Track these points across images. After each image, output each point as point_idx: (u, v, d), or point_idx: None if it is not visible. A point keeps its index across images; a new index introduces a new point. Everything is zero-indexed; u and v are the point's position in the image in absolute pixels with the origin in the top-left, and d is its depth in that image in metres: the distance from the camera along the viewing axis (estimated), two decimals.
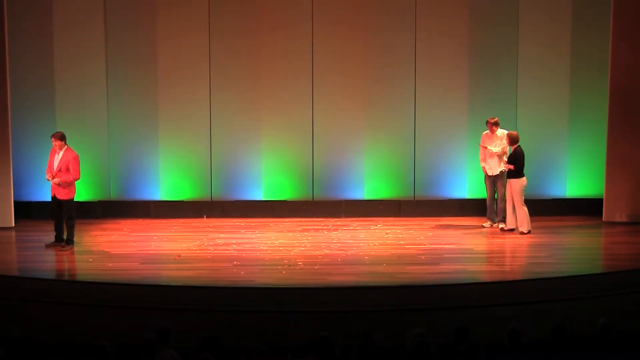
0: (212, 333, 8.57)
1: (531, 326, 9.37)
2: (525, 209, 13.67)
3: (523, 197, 13.68)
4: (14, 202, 14.40)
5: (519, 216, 13.70)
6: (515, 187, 13.65)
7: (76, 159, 12.83)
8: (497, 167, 14.00)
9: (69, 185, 12.77)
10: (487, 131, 14.15)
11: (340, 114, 15.03)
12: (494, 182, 14.11)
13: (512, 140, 13.74)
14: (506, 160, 13.81)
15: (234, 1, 14.85)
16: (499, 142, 13.99)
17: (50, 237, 13.05)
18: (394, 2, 14.86)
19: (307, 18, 14.83)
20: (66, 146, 12.84)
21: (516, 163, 13.65)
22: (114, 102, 14.89)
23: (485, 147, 14.00)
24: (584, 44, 14.80)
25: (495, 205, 14.20)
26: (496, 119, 14.07)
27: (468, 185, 15.06)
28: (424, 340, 8.11)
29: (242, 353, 8.40)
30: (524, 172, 13.70)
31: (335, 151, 15.09)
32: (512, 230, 13.82)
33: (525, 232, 13.69)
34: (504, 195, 13.97)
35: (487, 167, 14.10)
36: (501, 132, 14.04)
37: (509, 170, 13.70)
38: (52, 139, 12.87)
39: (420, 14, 14.80)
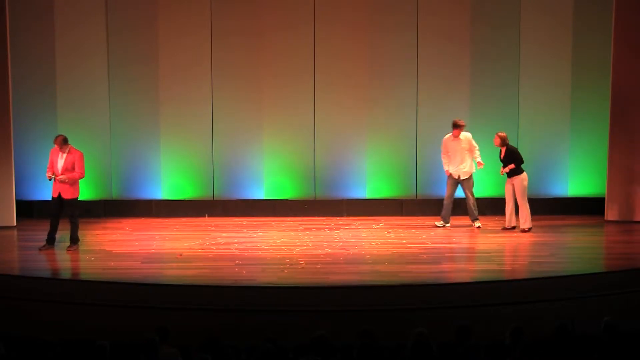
0: (214, 332, 8.57)
1: (533, 325, 9.35)
2: (528, 205, 13.70)
3: (526, 194, 13.71)
4: (16, 201, 14.40)
5: (522, 213, 13.73)
6: (519, 185, 13.67)
7: (82, 157, 12.79)
8: (467, 170, 14.05)
9: (74, 183, 12.75)
10: (449, 135, 14.10)
11: (342, 113, 15.03)
12: (458, 184, 14.14)
13: (503, 141, 13.74)
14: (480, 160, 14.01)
15: (235, 1, 14.85)
16: (465, 145, 14.01)
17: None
18: (396, 3, 14.86)
19: (309, 18, 14.83)
20: (69, 146, 12.80)
21: (517, 160, 13.67)
22: (116, 101, 14.90)
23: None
24: (585, 44, 14.81)
25: (451, 206, 14.25)
26: (462, 121, 14.07)
27: None
28: (426, 340, 8.10)
29: (243, 352, 8.39)
30: (522, 168, 13.74)
31: (337, 150, 15.10)
32: (513, 228, 13.83)
33: (527, 229, 13.71)
34: (472, 194, 14.09)
35: (453, 170, 14.08)
36: (465, 135, 14.04)
37: (512, 169, 13.70)
38: (55, 144, 12.76)
39: (422, 13, 14.80)
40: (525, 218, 13.76)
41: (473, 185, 14.20)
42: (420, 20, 14.83)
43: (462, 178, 14.11)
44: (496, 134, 13.88)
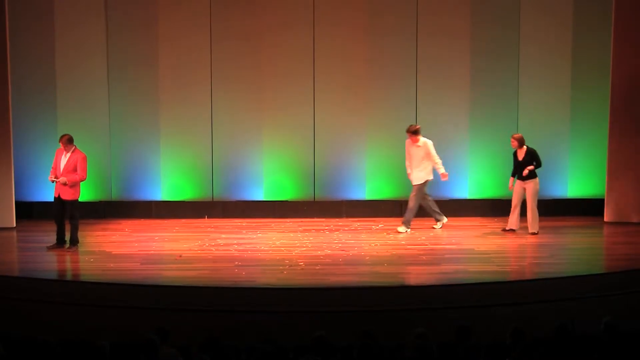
0: (213, 333, 8.57)
1: (532, 326, 9.35)
2: (537, 210, 13.66)
3: (537, 198, 13.68)
4: (15, 202, 14.40)
5: (533, 217, 13.64)
6: (533, 188, 13.56)
7: (84, 159, 12.81)
8: (421, 176, 13.91)
9: (74, 185, 12.76)
10: (409, 140, 14.01)
11: (342, 114, 15.03)
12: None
13: (521, 142, 13.64)
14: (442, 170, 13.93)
15: (235, 3, 14.85)
16: (422, 152, 13.88)
17: (52, 237, 13.03)
18: (396, 3, 14.86)
19: (309, 19, 14.83)
20: (74, 147, 12.81)
21: (537, 162, 13.58)
22: (116, 102, 14.89)
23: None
24: (585, 44, 14.80)
25: (433, 205, 14.16)
26: (418, 126, 13.97)
27: (469, 186, 15.07)
28: (426, 340, 8.10)
29: (243, 353, 8.39)
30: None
31: (337, 151, 15.10)
32: (512, 230, 13.81)
33: (536, 232, 13.66)
34: (415, 199, 13.91)
35: (411, 174, 14.00)
36: (424, 141, 13.93)
37: (529, 171, 13.59)
38: (61, 143, 12.81)
39: (421, 14, 14.79)
40: (535, 222, 13.69)
41: (423, 192, 13.97)
42: (420, 20, 14.82)
43: (414, 183, 13.98)
44: (512, 136, 13.72)
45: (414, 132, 13.91)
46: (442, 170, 13.97)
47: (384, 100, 15.00)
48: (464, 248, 13.21)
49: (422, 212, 14.81)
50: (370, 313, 10.60)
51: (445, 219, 14.25)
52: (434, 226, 14.22)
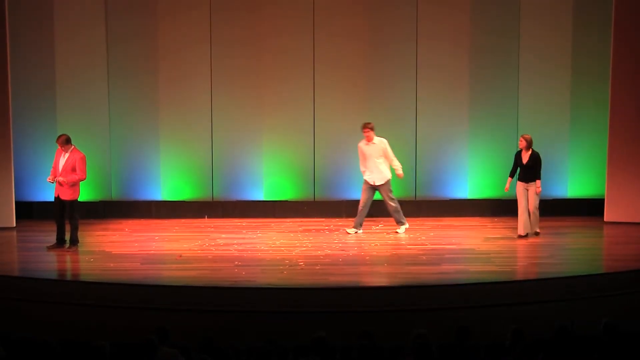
0: (213, 333, 8.58)
1: (533, 326, 9.36)
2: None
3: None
4: (15, 202, 14.40)
5: (535, 217, 13.57)
6: (537, 191, 13.51)
7: (83, 159, 12.79)
8: (383, 176, 13.76)
9: (73, 185, 12.76)
10: (363, 140, 13.78)
11: (341, 114, 15.03)
12: (375, 190, 13.82)
13: (529, 144, 13.54)
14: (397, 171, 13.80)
15: (235, 7, 14.84)
16: (380, 150, 13.72)
17: (52, 237, 13.03)
18: (395, 8, 14.84)
19: (309, 24, 14.81)
20: (72, 147, 12.81)
21: (540, 166, 13.52)
22: (115, 103, 14.89)
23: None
24: (584, 47, 14.77)
25: (365, 213, 13.92)
26: (372, 123, 13.83)
27: (469, 186, 15.06)
28: (426, 340, 8.10)
29: (243, 353, 8.40)
30: None
31: (336, 151, 15.09)
32: (525, 236, 13.64)
33: (539, 231, 13.64)
34: (391, 199, 13.79)
35: (368, 176, 13.76)
36: (379, 140, 13.79)
37: (534, 174, 13.57)
38: (58, 143, 12.79)
39: (421, 19, 14.78)
40: (535, 222, 13.62)
41: (391, 190, 13.87)
42: (420, 26, 14.80)
43: (377, 184, 13.81)
44: (522, 136, 13.59)
45: (372, 129, 13.73)
46: (399, 171, 13.84)
47: (383, 103, 14.98)
48: (464, 248, 13.21)
49: (419, 210, 14.85)
50: (370, 313, 10.60)
51: (361, 231, 13.96)
52: (348, 230, 13.99)
